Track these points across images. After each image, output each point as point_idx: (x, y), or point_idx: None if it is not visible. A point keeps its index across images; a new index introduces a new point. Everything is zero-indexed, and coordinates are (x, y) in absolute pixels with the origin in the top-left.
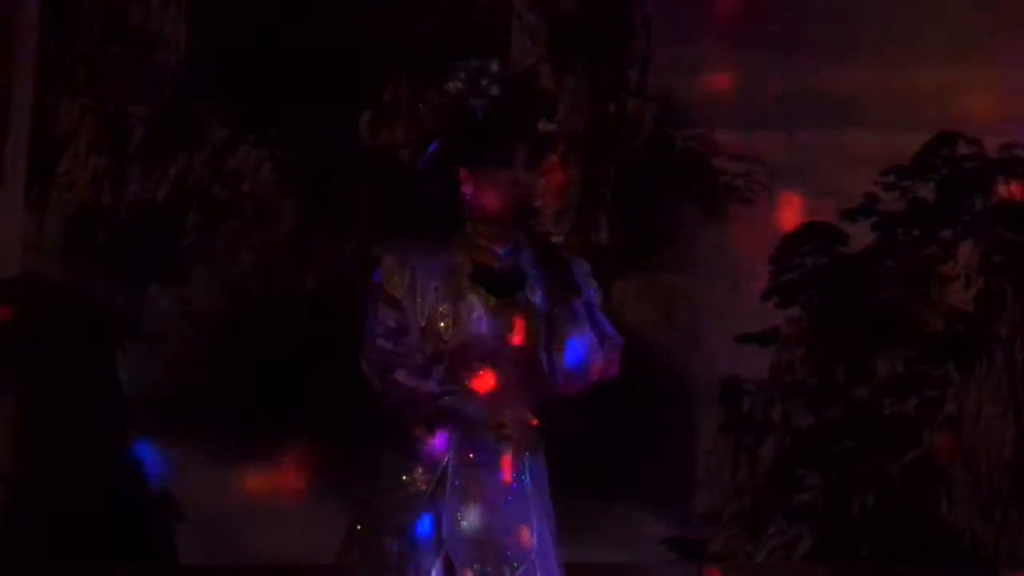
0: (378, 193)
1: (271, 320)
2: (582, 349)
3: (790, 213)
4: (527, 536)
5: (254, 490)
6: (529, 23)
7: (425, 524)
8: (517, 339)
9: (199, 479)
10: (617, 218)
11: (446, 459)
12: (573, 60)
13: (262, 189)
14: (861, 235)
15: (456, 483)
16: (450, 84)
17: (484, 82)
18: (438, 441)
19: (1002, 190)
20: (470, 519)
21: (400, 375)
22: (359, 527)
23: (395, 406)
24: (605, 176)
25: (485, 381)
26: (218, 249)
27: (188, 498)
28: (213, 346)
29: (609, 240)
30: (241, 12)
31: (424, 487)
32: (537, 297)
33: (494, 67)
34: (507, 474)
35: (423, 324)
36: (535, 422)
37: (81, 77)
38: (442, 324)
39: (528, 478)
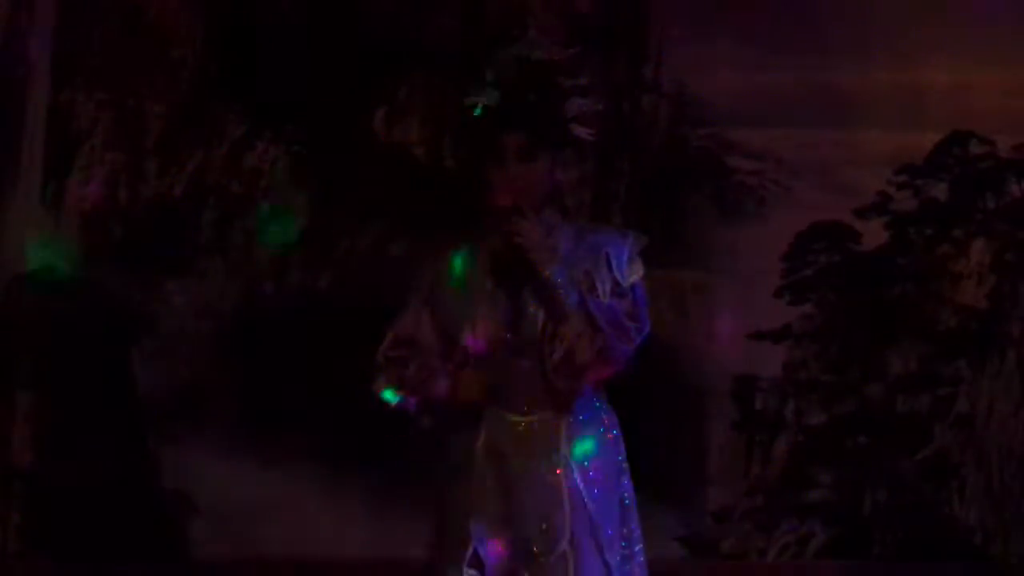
0: (393, 189)
1: (286, 316)
2: (567, 343)
3: (803, 211)
4: (557, 524)
5: (269, 485)
6: (544, 21)
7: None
8: (524, 329)
9: (214, 474)
10: (631, 215)
11: (477, 447)
12: (588, 58)
13: (278, 185)
14: (874, 233)
15: (484, 477)
16: (474, 84)
17: (491, 76)
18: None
19: (1015, 189)
20: (496, 513)
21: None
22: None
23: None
24: (619, 174)
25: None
26: (234, 245)
27: (203, 494)
28: (229, 342)
29: None
30: (258, 8)
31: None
32: (557, 276)
33: (505, 58)
34: (534, 461)
35: (440, 319)
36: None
37: (98, 73)
38: (456, 317)
39: (565, 469)
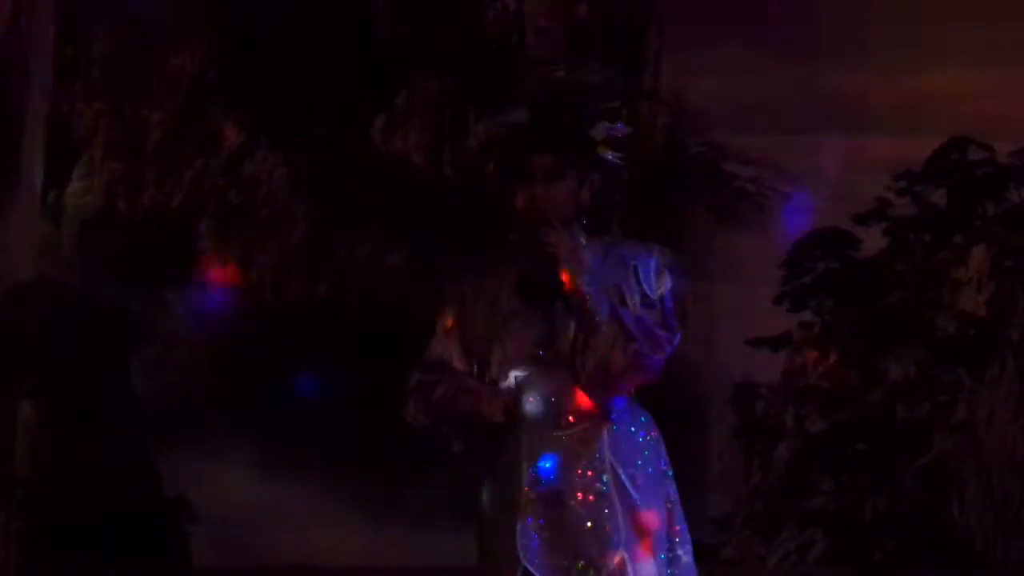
0: (391, 197)
1: (285, 324)
2: (600, 354)
3: (802, 218)
4: (611, 532)
5: (268, 493)
6: (543, 28)
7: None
8: (557, 342)
9: (212, 482)
10: (629, 222)
11: (523, 467)
12: (586, 65)
13: (276, 194)
14: (873, 240)
15: (531, 492)
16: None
17: (524, 96)
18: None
19: (1014, 195)
20: (547, 527)
21: (410, 408)
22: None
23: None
24: (617, 181)
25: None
26: (232, 254)
27: (202, 501)
28: (227, 351)
29: None
30: (256, 18)
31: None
32: (593, 290)
33: (539, 80)
34: (583, 476)
35: (467, 341)
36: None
37: (97, 82)
38: (485, 338)
39: (612, 475)
